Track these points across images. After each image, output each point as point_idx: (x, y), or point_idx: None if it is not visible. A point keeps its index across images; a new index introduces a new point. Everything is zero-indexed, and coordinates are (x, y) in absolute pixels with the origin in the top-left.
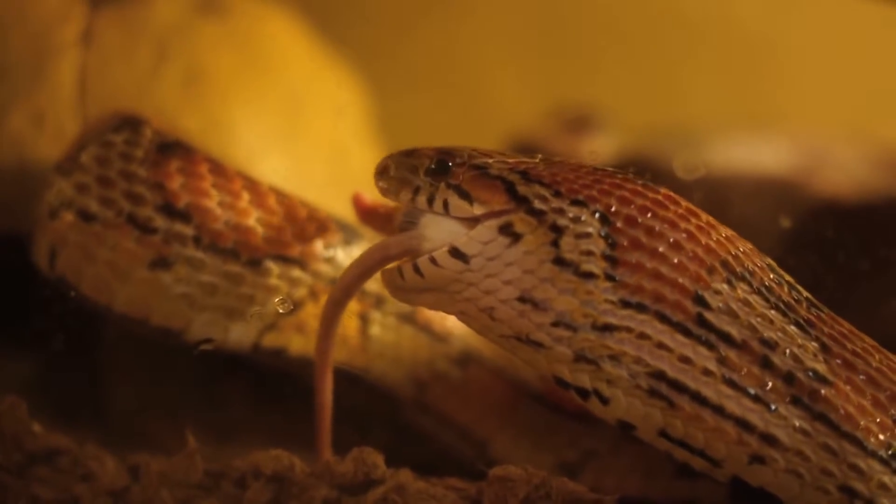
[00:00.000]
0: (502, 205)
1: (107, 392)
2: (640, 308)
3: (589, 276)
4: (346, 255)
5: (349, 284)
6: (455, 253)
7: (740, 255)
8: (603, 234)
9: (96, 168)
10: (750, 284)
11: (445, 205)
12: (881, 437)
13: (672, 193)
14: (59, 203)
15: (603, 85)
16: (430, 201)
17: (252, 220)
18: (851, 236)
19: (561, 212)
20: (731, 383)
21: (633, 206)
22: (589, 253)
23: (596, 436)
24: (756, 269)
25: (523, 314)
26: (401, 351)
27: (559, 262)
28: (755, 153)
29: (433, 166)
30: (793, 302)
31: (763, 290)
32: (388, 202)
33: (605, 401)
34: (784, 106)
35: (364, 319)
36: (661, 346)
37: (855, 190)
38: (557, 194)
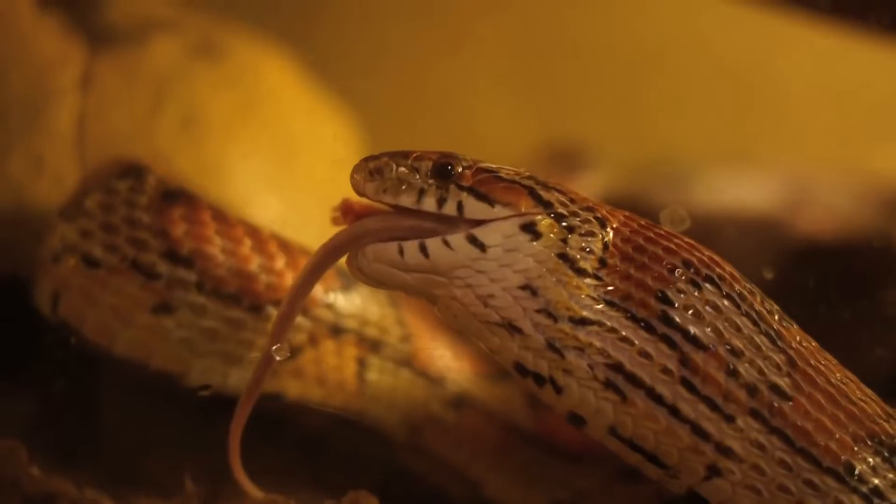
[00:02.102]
0: (529, 208)
1: (105, 435)
2: (612, 305)
3: (582, 272)
4: (345, 301)
5: (324, 256)
6: (473, 240)
7: (706, 260)
8: (601, 236)
9: (101, 214)
10: (719, 288)
11: (460, 207)
12: (838, 454)
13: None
14: (62, 248)
15: (590, 122)
16: (441, 203)
17: (254, 266)
18: (834, 279)
19: (576, 215)
20: (689, 386)
21: (619, 214)
22: (588, 251)
23: (588, 477)
24: (726, 275)
25: (518, 300)
26: (396, 394)
27: (563, 256)
28: (740, 189)
29: (436, 169)
30: (765, 312)
31: (735, 295)
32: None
33: (558, 389)
34: (769, 141)
35: (362, 364)
36: (624, 339)
37: (839, 226)
38: (572, 201)
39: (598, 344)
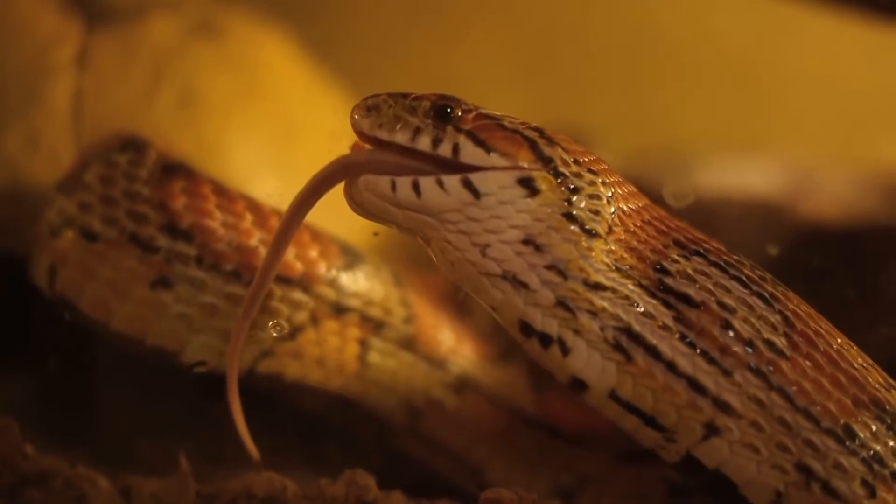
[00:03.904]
0: (529, 162)
1: (100, 413)
2: (622, 272)
3: (593, 234)
4: (348, 279)
5: (318, 184)
6: (468, 184)
7: (693, 238)
8: (608, 202)
9: (100, 187)
10: (706, 258)
11: (455, 149)
12: (838, 416)
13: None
14: (60, 221)
15: (593, 107)
16: (436, 143)
17: (255, 241)
18: (838, 263)
19: (579, 176)
20: (686, 340)
21: (623, 188)
22: (597, 213)
23: (591, 460)
24: (712, 249)
25: (521, 255)
26: (397, 378)
27: (568, 216)
28: (743, 176)
29: (434, 109)
30: (756, 278)
31: (721, 263)
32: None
33: (566, 351)
34: (772, 128)
35: (364, 345)
36: (633, 304)
37: (842, 213)
38: (576, 162)
39: (610, 309)
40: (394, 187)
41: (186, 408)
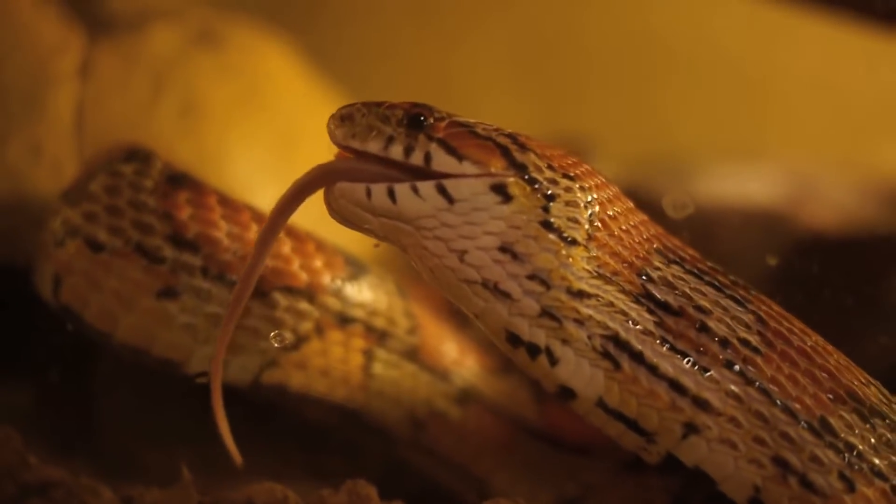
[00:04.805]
0: (500, 168)
1: (102, 423)
2: (605, 279)
3: (572, 242)
4: (353, 289)
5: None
6: (442, 190)
7: (671, 246)
8: (586, 208)
9: (105, 197)
10: (682, 266)
11: (427, 158)
12: (813, 409)
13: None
14: (65, 232)
15: (593, 114)
16: (408, 152)
17: None
18: (838, 271)
19: (555, 182)
20: (666, 343)
21: (604, 192)
22: (575, 221)
23: (595, 470)
24: (688, 257)
25: (500, 263)
26: (401, 388)
27: (546, 224)
28: (743, 183)
29: (407, 118)
30: (729, 283)
31: (696, 271)
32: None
33: (554, 361)
34: (772, 135)
35: (368, 356)
36: (619, 312)
37: (842, 220)
38: (550, 168)
39: (597, 317)
40: (369, 194)
41: (189, 417)
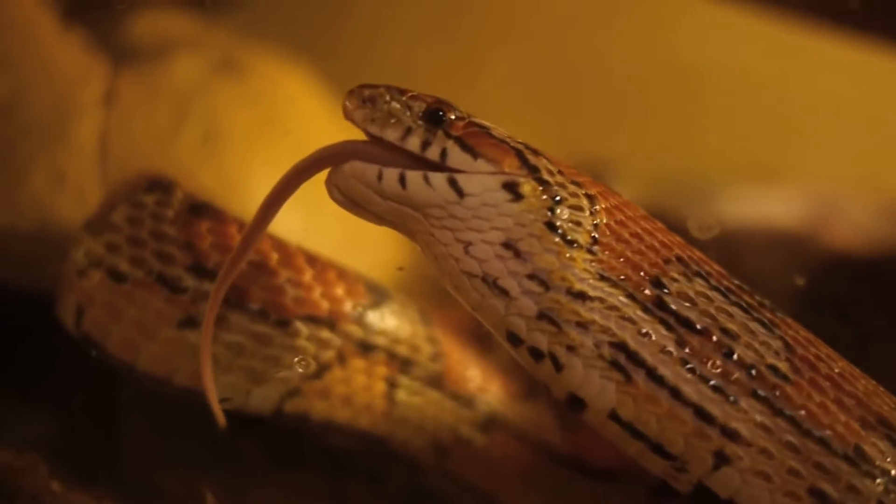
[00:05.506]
0: (514, 168)
1: (125, 450)
2: (610, 282)
3: (574, 244)
4: (375, 317)
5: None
6: (453, 183)
7: (695, 258)
8: (591, 213)
9: (127, 228)
10: (707, 282)
11: (443, 154)
12: (848, 438)
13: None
14: (88, 262)
15: (615, 137)
16: (425, 146)
17: (281, 279)
18: (865, 292)
19: (563, 186)
20: (689, 367)
21: (610, 199)
22: (578, 224)
23: (622, 497)
24: (713, 272)
25: (501, 258)
26: (425, 416)
27: (550, 225)
28: (766, 206)
29: (428, 112)
30: (756, 304)
31: (722, 288)
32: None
33: (559, 367)
34: (794, 157)
35: (391, 384)
36: (626, 318)
37: (865, 242)
38: (560, 173)
39: (601, 321)
40: (380, 177)
41: (211, 446)
